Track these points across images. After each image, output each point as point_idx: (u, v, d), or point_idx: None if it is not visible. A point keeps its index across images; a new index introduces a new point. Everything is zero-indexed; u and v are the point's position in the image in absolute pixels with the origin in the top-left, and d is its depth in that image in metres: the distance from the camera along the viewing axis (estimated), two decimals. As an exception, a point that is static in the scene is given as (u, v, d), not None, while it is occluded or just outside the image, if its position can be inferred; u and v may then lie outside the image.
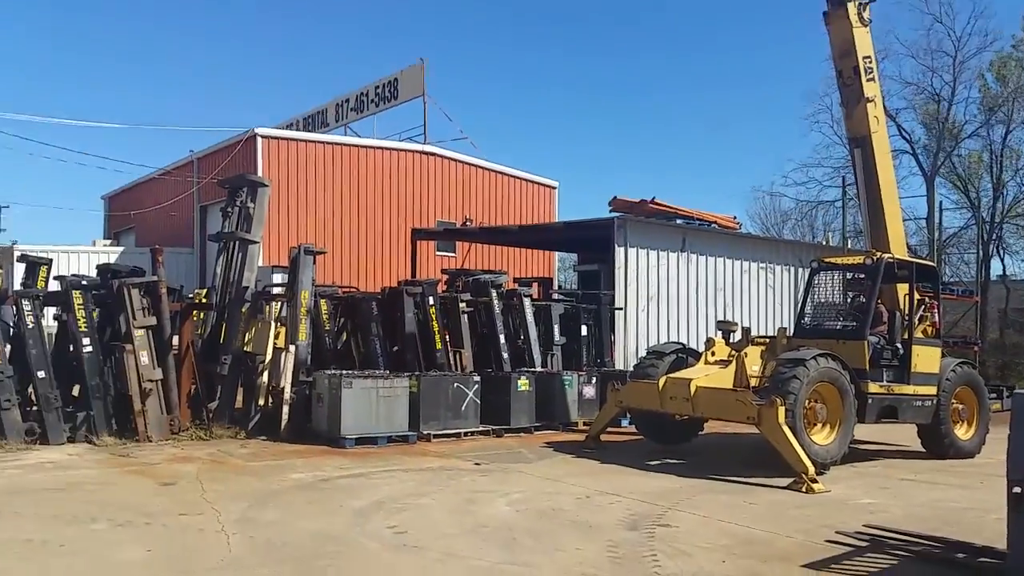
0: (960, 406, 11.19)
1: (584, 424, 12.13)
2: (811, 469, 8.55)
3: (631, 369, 13.27)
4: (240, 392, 11.17)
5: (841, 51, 11.30)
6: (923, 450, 11.13)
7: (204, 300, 11.93)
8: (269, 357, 10.94)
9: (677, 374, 10.22)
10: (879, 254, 11.01)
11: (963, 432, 11.19)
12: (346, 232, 23.17)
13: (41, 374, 9.50)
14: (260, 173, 21.33)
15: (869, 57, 11.33)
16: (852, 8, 10.98)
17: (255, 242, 11.18)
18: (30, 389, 9.81)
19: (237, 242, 11.20)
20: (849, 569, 5.61)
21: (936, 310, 11.87)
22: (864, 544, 6.23)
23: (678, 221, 17.62)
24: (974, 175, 28.39)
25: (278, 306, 13.26)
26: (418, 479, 8.28)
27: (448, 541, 5.96)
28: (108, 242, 27.92)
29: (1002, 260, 28.73)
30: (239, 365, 10.93)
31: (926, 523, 6.95)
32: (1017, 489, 5.29)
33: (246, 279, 11.03)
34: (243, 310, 11.13)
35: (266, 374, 10.94)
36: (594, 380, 12.79)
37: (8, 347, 9.77)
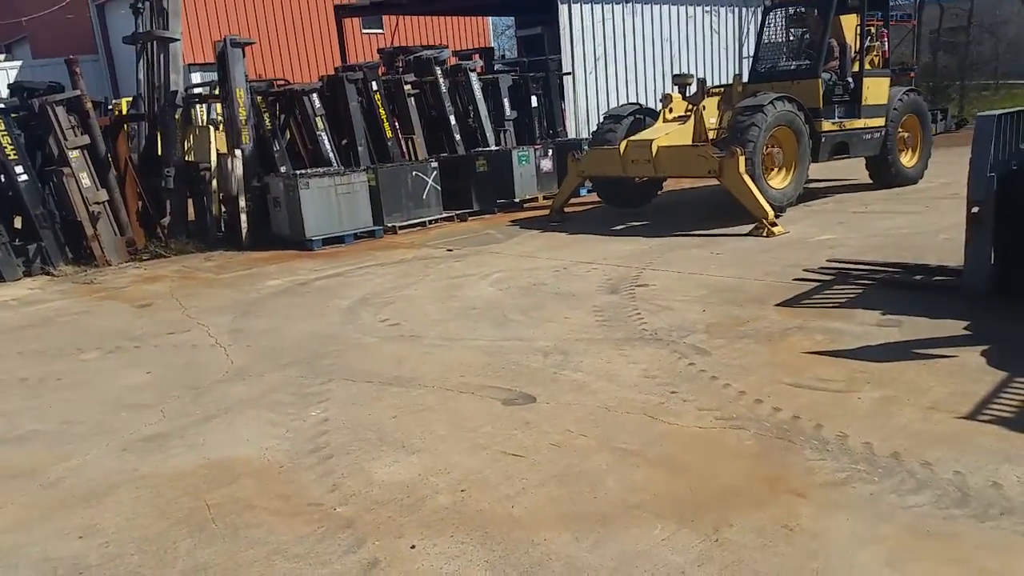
0: (905, 134, 11.48)
1: (545, 198, 12.19)
2: (770, 214, 8.87)
3: (587, 137, 13.16)
4: (191, 204, 10.82)
5: None
6: (870, 181, 11.56)
7: (131, 111, 11.09)
8: (214, 164, 10.46)
9: (637, 136, 10.15)
10: (833, -17, 10.62)
11: (908, 160, 11.59)
12: (261, 18, 21.35)
13: (-22, 211, 8.95)
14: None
15: None
16: None
17: (176, 39, 10.20)
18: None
19: (155, 42, 10.21)
20: (820, 303, 6.01)
21: (885, 38, 11.74)
22: (829, 278, 6.64)
23: (622, -32, 16.55)
24: None
25: (203, 109, 12.48)
26: (395, 272, 8.37)
27: (442, 327, 6.15)
28: (1, 57, 25.33)
29: (938, -23, 28.04)
30: (184, 176, 10.46)
31: (883, 251, 7.40)
32: (975, 209, 5.54)
33: (173, 82, 10.20)
34: (176, 117, 10.44)
35: (215, 182, 10.53)
36: (550, 152, 12.64)
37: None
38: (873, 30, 11.24)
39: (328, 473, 3.80)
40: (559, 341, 5.54)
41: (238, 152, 10.19)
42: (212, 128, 10.82)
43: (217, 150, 10.57)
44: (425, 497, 3.49)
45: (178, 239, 10.25)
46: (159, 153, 10.50)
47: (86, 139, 9.51)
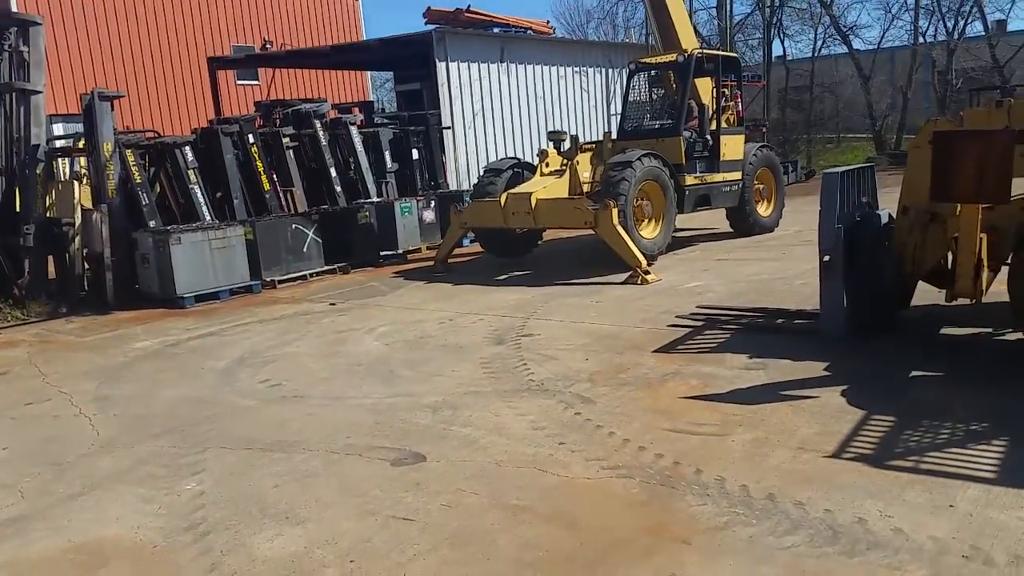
0: (760, 186, 12.38)
1: (429, 249, 12.25)
2: (643, 263, 9.30)
3: (467, 189, 13.40)
4: (52, 263, 10.14)
5: None
6: (731, 230, 12.34)
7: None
8: (78, 220, 9.88)
9: (517, 189, 10.44)
10: (690, 50, 11.45)
11: (764, 210, 12.48)
12: (131, 69, 20.49)
13: None
14: (14, 3, 18.08)
15: None
16: None
17: (39, 91, 9.63)
18: None
19: (15, 94, 9.62)
20: (692, 348, 6.32)
21: (739, 99, 12.69)
22: (700, 323, 7.01)
23: (495, 30, 17.15)
24: (756, -37, 29.47)
25: (67, 162, 11.85)
26: (275, 328, 8.13)
27: (326, 385, 6.03)
28: None
29: (782, 43, 30.94)
30: (45, 233, 9.81)
31: (747, 296, 7.89)
32: (826, 258, 6.03)
33: (34, 136, 9.60)
34: (37, 171, 9.82)
35: (78, 239, 9.93)
36: (432, 204, 12.76)
37: None
38: (727, 91, 12.12)
39: (206, 551, 3.61)
40: (448, 395, 5.55)
41: (104, 207, 9.68)
42: (76, 182, 10.26)
43: (81, 205, 10.01)
44: (312, 572, 3.38)
45: (37, 300, 9.56)
46: (17, 210, 9.81)
47: (-69, 196, 8.78)
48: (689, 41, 12.08)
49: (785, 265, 9.47)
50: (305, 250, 10.87)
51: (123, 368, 6.99)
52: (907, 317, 6.43)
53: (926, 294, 6.42)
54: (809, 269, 7.89)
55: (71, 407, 5.92)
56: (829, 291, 6.15)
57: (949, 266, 5.83)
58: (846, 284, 6.06)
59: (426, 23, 17.10)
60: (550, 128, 16.30)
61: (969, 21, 27.35)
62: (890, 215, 6.30)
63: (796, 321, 6.81)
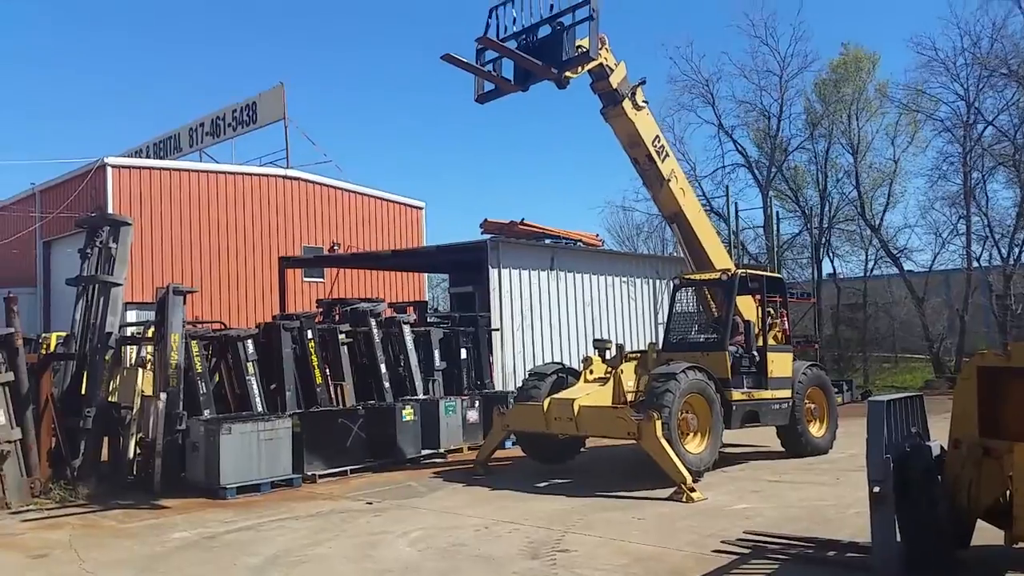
0: (812, 406, 12.11)
1: (470, 449, 12.23)
2: (688, 479, 9.04)
3: (512, 390, 13.55)
4: (108, 445, 10.43)
5: (629, 143, 11.28)
6: (783, 449, 11.93)
7: (61, 348, 11.02)
8: (137, 406, 10.28)
9: (560, 395, 10.53)
10: (733, 269, 11.84)
11: (816, 430, 12.08)
12: (206, 264, 22.15)
13: None
14: (110, 204, 20.23)
15: (657, 137, 11.49)
16: (627, 104, 10.90)
17: (119, 284, 10.47)
18: None
19: (98, 285, 10.47)
20: (738, 578, 6.03)
21: (785, 318, 12.84)
22: (747, 551, 6.70)
23: (546, 240, 18.16)
24: (803, 185, 30.82)
25: (134, 349, 12.46)
26: (311, 526, 8.07)
27: (355, 593, 5.88)
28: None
29: (832, 262, 31.21)
30: (104, 417, 10.19)
31: (797, 523, 7.57)
32: (876, 488, 5.82)
33: (109, 324, 10.30)
34: (106, 358, 10.41)
35: (135, 425, 10.27)
36: (477, 404, 12.92)
37: None
38: (772, 309, 12.28)
39: None
40: (477, 614, 5.34)
41: (163, 395, 10.08)
42: (140, 369, 10.77)
43: (142, 392, 10.46)
44: None
45: (87, 482, 9.73)
46: (83, 392, 10.30)
47: (10, 376, 9.38)
48: (723, 262, 12.30)
49: (839, 491, 9.10)
50: (349, 445, 10.95)
51: (159, 559, 6.96)
52: (966, 557, 6.05)
53: (987, 532, 6.07)
54: (864, 497, 7.46)
55: (100, 599, 5.87)
56: (880, 525, 5.88)
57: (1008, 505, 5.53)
58: (898, 518, 5.81)
59: (482, 233, 18.25)
60: (596, 335, 16.68)
61: (1024, 248, 26.94)
62: (942, 447, 6.10)
63: (848, 555, 6.48)
